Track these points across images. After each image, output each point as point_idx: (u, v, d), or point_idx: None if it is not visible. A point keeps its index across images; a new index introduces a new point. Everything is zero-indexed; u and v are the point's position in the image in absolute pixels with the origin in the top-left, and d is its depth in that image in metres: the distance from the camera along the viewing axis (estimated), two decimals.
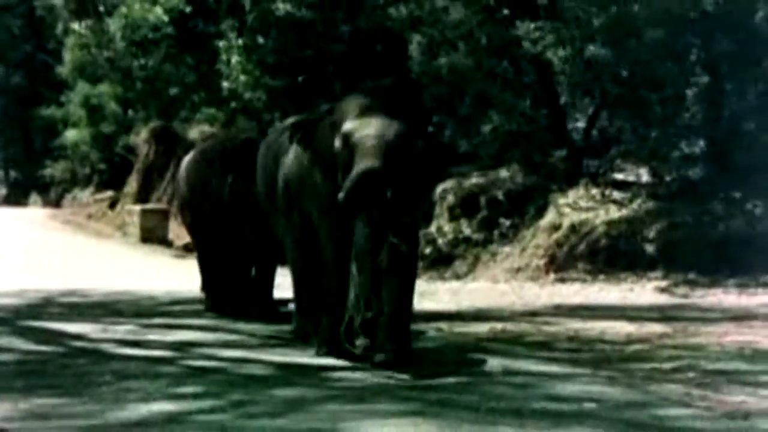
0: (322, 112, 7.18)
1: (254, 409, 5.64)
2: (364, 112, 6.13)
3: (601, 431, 4.88)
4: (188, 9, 19.11)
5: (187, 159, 9.85)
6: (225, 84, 18.42)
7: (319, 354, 6.71)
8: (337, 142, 6.11)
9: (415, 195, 6.25)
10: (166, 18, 19.28)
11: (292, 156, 6.96)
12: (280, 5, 17.04)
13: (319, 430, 5.11)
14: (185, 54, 20.26)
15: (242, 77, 17.95)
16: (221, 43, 18.12)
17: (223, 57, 18.13)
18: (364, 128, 6.00)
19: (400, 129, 5.99)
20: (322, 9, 16.96)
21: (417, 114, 6.59)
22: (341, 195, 5.80)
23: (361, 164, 5.77)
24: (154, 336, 8.52)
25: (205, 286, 9.48)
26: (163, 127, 19.59)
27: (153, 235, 17.79)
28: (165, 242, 17.48)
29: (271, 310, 9.01)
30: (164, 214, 18.05)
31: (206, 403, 5.89)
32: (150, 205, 18.63)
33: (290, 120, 7.96)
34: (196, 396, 6.12)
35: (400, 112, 6.22)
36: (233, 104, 18.52)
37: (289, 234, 7.38)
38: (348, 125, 6.06)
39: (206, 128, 18.63)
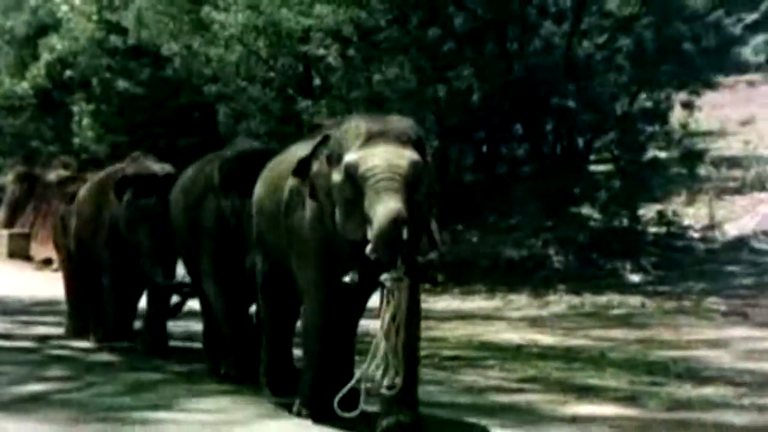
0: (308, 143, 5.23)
1: (105, 389, 5.78)
2: (370, 139, 4.54)
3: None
4: (49, 84, 21.64)
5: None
6: (76, 140, 20.37)
7: (301, 415, 5.09)
8: (337, 176, 4.57)
9: (421, 228, 4.64)
10: (31, 91, 21.73)
11: (263, 192, 5.58)
12: (120, 83, 19.14)
13: (156, 406, 5.34)
14: (45, 116, 22.45)
15: (90, 134, 19.89)
16: (75, 108, 20.31)
17: (76, 119, 20.21)
18: (373, 158, 4.43)
19: (412, 157, 4.50)
20: (150, 87, 18.98)
21: (420, 137, 4.82)
22: (370, 246, 4.29)
23: (380, 206, 4.29)
24: (20, 330, 8.77)
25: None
26: (27, 171, 20.18)
27: (17, 253, 18.49)
28: (27, 258, 18.27)
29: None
30: (26, 237, 18.79)
31: (66, 385, 6.05)
32: (16, 230, 19.36)
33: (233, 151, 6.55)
34: (57, 379, 6.30)
35: (407, 136, 4.65)
36: (83, 155, 19.75)
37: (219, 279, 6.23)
38: (352, 156, 4.49)
39: (61, 172, 19.34)
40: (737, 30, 16.58)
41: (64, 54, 20.66)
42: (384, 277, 4.37)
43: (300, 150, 5.24)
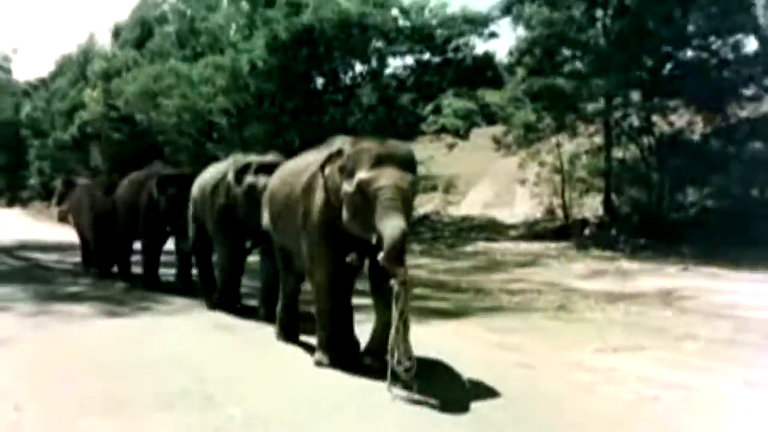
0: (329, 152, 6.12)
1: None
2: (379, 162, 5.53)
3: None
4: (78, 135, 37.81)
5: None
6: (92, 163, 36.30)
7: (322, 363, 6.23)
8: (348, 186, 5.62)
9: None
10: (70, 138, 38.29)
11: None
12: (114, 134, 34.25)
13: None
14: (77, 151, 38.79)
15: (99, 160, 35.70)
16: (93, 148, 36.52)
17: (92, 153, 36.66)
18: (382, 179, 5.46)
19: (411, 180, 5.58)
20: (130, 136, 33.71)
21: (414, 160, 5.84)
22: (383, 256, 5.28)
23: (390, 223, 5.30)
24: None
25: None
26: (67, 178, 19.89)
27: (62, 219, 18.65)
28: (66, 221, 18.13)
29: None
30: (66, 212, 18.09)
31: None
32: (62, 207, 19.19)
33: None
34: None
35: (407, 160, 5.71)
36: (95, 171, 32.98)
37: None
38: (364, 174, 5.51)
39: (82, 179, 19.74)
40: None
41: (87, 120, 35.74)
42: (392, 282, 5.32)
43: (310, 156, 6.65)
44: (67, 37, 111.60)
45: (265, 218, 7.31)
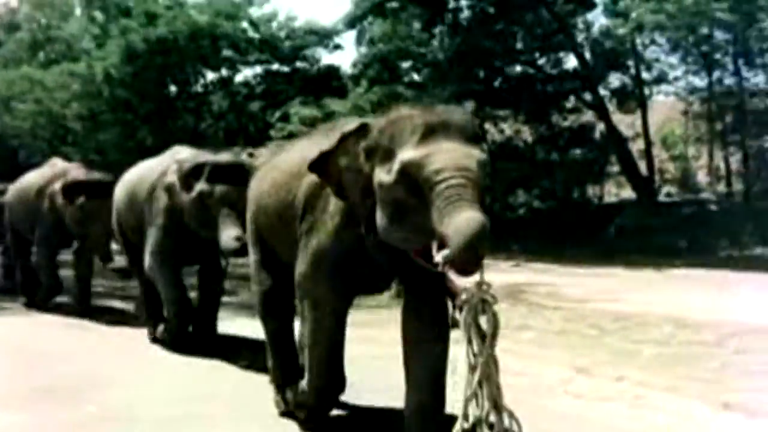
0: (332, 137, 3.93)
1: None
2: (430, 133, 3.43)
3: None
4: None
5: None
6: None
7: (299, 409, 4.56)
8: (384, 175, 3.51)
9: None
10: None
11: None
12: None
13: None
14: None
15: None
16: None
17: None
18: (440, 159, 3.34)
19: (481, 159, 3.45)
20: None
21: (478, 131, 3.78)
22: (451, 262, 3.20)
23: (461, 215, 3.18)
24: None
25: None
26: None
27: None
28: None
29: None
30: None
31: None
32: None
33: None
34: None
35: (469, 130, 3.57)
36: None
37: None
38: (410, 153, 3.40)
39: None
40: None
41: None
42: (464, 297, 3.35)
43: (309, 146, 4.27)
44: None
45: (251, 233, 5.13)
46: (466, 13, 20.89)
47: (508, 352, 6.50)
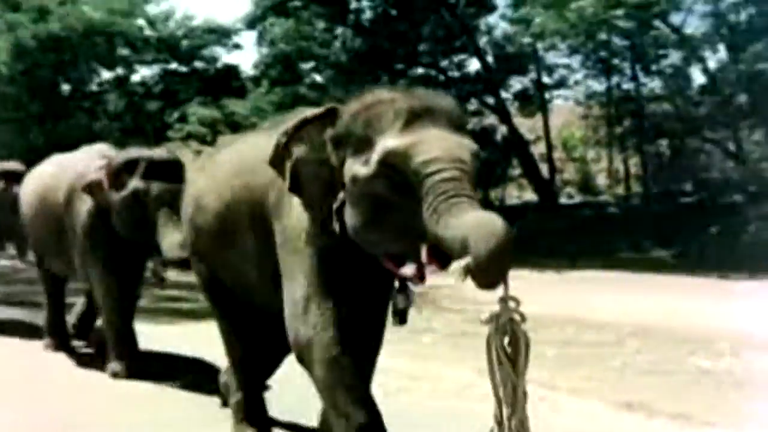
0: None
1: None
2: (414, 119, 2.88)
3: None
4: None
5: None
6: None
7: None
8: (361, 167, 2.91)
9: None
10: None
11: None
12: None
13: None
14: None
15: None
16: None
17: None
18: (430, 148, 2.79)
19: (472, 147, 2.91)
20: None
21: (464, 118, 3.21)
22: (473, 271, 2.54)
23: (472, 217, 2.63)
24: None
25: None
26: None
27: None
28: None
29: None
30: None
31: None
32: None
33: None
34: None
35: (458, 117, 3.04)
36: None
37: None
38: (395, 141, 2.84)
39: None
40: None
41: None
42: (490, 316, 2.72)
43: (263, 137, 3.63)
44: None
45: (189, 241, 4.39)
46: (368, 14, 20.95)
47: (408, 354, 6.46)
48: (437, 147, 2.78)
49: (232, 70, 25.08)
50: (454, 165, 2.75)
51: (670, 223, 15.86)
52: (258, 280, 3.75)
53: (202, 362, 6.02)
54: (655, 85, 19.40)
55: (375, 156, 2.84)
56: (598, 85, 20.37)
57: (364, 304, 3.36)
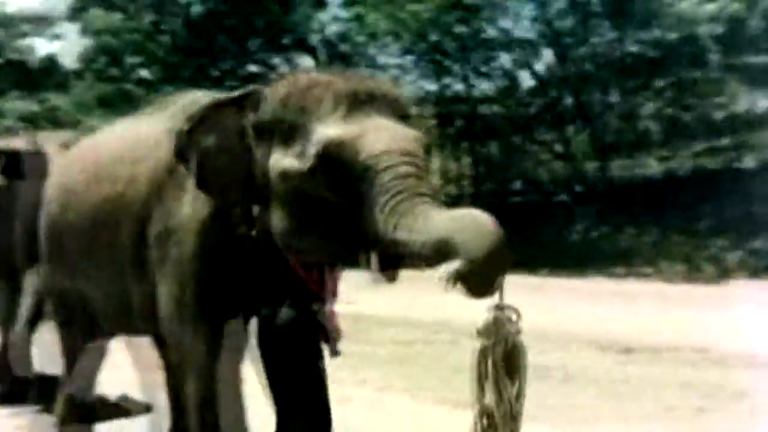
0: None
1: None
2: (357, 106, 2.53)
3: None
4: None
5: None
6: None
7: None
8: (293, 161, 2.54)
9: None
10: None
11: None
12: None
13: None
14: None
15: None
16: None
17: None
18: (377, 138, 2.45)
19: (419, 137, 2.58)
20: None
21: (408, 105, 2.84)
22: (464, 267, 2.20)
23: (450, 218, 2.31)
24: None
25: None
26: None
27: None
28: None
29: None
30: None
31: None
32: None
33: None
34: None
35: (402, 103, 2.72)
36: None
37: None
38: (334, 130, 2.48)
39: None
40: None
41: None
42: (485, 326, 2.36)
43: (144, 124, 3.31)
44: None
45: (44, 249, 3.84)
46: (198, 9, 20.45)
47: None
48: (387, 138, 2.46)
49: (52, 62, 24.02)
50: (409, 159, 2.43)
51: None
52: (136, 297, 3.24)
53: None
54: (486, 87, 19.75)
55: (312, 147, 2.49)
56: (430, 86, 20.73)
57: (266, 318, 2.94)
